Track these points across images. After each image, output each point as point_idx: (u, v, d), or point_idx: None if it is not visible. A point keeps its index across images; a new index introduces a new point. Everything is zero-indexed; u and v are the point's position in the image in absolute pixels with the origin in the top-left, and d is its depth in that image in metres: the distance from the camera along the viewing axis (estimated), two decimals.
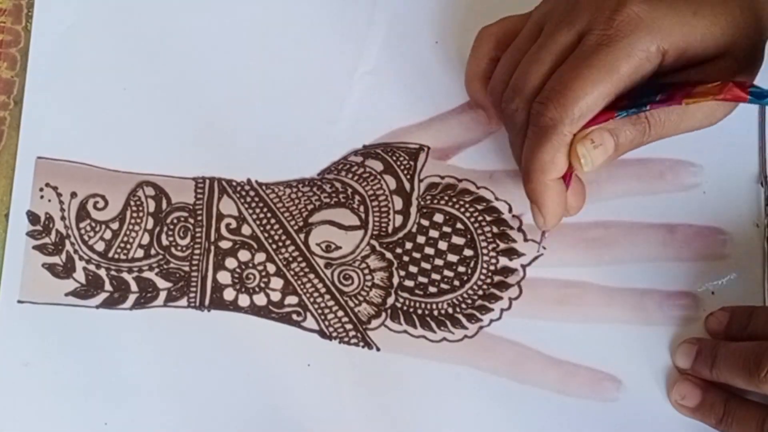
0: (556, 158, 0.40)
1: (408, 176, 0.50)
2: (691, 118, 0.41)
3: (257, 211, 0.50)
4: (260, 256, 0.49)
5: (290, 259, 0.49)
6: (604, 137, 0.40)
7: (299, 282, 0.49)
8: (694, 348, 0.46)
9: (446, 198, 0.49)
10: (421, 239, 0.49)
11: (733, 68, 0.40)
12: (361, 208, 0.49)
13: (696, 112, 0.41)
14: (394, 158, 0.50)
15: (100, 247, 0.50)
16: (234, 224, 0.50)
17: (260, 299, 0.49)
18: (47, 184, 0.50)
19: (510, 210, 0.49)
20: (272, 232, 0.49)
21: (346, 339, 0.48)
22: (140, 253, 0.49)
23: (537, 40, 0.42)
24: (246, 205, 0.50)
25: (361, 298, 0.49)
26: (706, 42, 0.39)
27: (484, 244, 0.49)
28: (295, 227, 0.49)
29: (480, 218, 0.49)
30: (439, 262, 0.49)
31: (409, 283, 0.49)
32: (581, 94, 0.39)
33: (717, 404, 0.45)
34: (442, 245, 0.49)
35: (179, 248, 0.49)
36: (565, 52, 0.40)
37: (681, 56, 0.39)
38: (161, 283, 0.49)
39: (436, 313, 0.48)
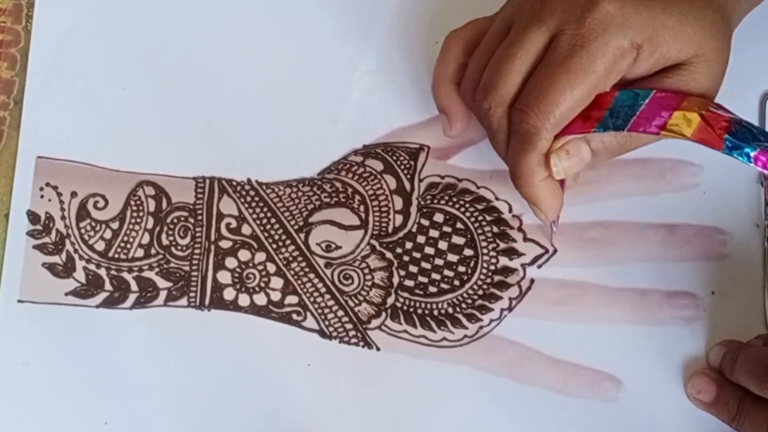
0: (542, 161, 0.41)
1: (408, 176, 0.50)
2: None
3: (257, 210, 0.50)
4: (260, 256, 0.49)
5: (290, 258, 0.49)
6: (581, 147, 0.41)
7: (299, 282, 0.49)
8: (723, 349, 0.46)
9: (446, 198, 0.49)
10: (421, 239, 0.49)
11: (704, 72, 0.40)
12: (361, 208, 0.49)
13: None
14: (395, 158, 0.50)
15: (100, 246, 0.50)
16: (234, 224, 0.50)
17: (260, 299, 0.49)
18: (47, 184, 0.50)
19: (510, 210, 0.49)
20: (272, 232, 0.49)
21: (346, 339, 0.48)
22: (140, 252, 0.49)
23: (505, 37, 0.42)
24: (246, 205, 0.50)
25: (361, 298, 0.49)
26: (678, 38, 0.39)
27: (484, 243, 0.49)
28: (295, 227, 0.49)
29: (480, 218, 0.49)
30: (439, 261, 0.49)
31: (409, 283, 0.49)
32: (561, 99, 0.39)
33: (731, 402, 0.45)
34: (442, 245, 0.49)
35: (179, 248, 0.49)
36: (537, 52, 0.40)
37: (654, 52, 0.39)
38: (161, 283, 0.49)
39: (436, 312, 0.48)
